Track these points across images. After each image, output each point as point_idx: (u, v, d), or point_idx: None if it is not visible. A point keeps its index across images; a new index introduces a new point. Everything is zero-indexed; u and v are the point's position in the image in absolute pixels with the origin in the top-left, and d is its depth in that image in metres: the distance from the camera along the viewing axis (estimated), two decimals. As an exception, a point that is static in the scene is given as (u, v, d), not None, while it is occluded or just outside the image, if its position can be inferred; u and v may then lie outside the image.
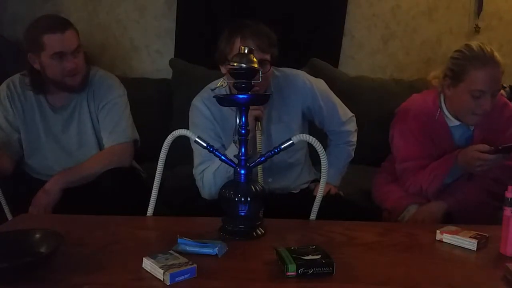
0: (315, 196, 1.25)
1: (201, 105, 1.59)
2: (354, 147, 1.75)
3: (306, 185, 1.71)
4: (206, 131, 1.55)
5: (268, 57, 1.48)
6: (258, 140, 1.41)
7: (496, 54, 1.52)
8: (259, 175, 1.38)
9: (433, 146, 1.65)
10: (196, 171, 1.57)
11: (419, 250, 1.08)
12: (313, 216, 1.26)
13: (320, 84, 1.69)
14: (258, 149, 1.39)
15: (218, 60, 1.54)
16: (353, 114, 1.75)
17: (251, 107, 1.32)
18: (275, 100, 1.59)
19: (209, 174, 1.51)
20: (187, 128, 1.16)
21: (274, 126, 1.59)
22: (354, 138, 1.75)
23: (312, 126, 1.73)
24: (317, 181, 1.69)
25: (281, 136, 1.47)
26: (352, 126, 1.74)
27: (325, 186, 1.21)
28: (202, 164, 1.53)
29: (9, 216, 1.46)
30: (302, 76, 1.66)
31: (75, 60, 1.61)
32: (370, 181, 1.89)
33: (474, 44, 1.56)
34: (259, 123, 1.43)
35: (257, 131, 1.41)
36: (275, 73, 1.62)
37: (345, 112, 1.72)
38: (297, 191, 1.68)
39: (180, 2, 2.52)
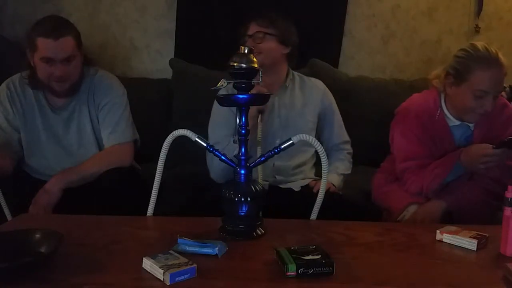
0: (314, 193, 1.26)
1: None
2: (351, 162, 1.86)
3: (306, 181, 1.73)
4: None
5: (267, 30, 1.66)
6: (258, 130, 1.49)
7: (500, 55, 1.53)
8: (259, 172, 1.41)
9: (434, 145, 1.65)
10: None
11: (419, 250, 1.08)
12: (313, 216, 1.26)
13: (334, 99, 1.86)
14: (258, 138, 1.47)
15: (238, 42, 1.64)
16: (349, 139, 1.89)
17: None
18: (296, 91, 1.76)
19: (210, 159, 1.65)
20: (187, 128, 1.16)
21: (291, 113, 1.72)
22: (351, 158, 1.87)
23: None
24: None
25: (296, 123, 1.70)
26: (349, 147, 1.88)
27: (325, 185, 1.21)
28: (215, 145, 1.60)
29: (8, 217, 1.46)
30: (322, 83, 1.87)
31: (64, 68, 1.60)
32: (370, 181, 1.89)
33: (479, 44, 1.56)
34: (261, 115, 1.52)
35: (259, 122, 1.50)
36: (294, 75, 1.82)
37: (345, 134, 1.88)
38: (297, 189, 1.68)
39: (180, 2, 2.52)
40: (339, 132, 1.85)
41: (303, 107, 1.75)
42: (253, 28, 1.68)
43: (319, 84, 1.85)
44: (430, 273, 0.95)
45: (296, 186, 1.69)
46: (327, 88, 1.85)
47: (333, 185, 1.70)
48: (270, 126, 1.68)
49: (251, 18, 1.71)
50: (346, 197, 1.69)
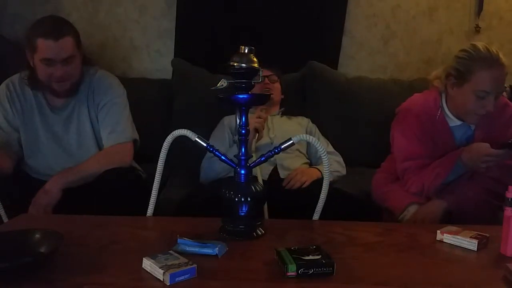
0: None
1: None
2: (342, 167, 1.94)
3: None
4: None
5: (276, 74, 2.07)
6: (252, 147, 1.62)
7: (501, 56, 1.53)
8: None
9: (434, 145, 1.65)
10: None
11: (419, 250, 1.08)
12: (316, 216, 1.25)
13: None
14: (252, 151, 1.58)
15: None
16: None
17: (254, 118, 1.65)
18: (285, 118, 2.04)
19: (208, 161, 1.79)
20: (187, 128, 1.16)
21: (284, 127, 1.95)
22: (340, 159, 1.95)
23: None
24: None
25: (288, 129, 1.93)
26: (339, 157, 1.95)
27: (328, 185, 1.21)
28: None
29: (4, 219, 1.45)
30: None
31: (64, 68, 1.60)
32: (370, 181, 1.88)
33: (480, 44, 1.56)
34: (257, 134, 1.65)
35: (253, 140, 1.62)
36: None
37: (333, 149, 1.99)
38: (283, 176, 1.74)
39: (180, 2, 2.52)
40: (326, 145, 1.98)
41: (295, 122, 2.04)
42: (266, 71, 1.92)
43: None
44: (431, 273, 0.95)
45: (283, 173, 1.76)
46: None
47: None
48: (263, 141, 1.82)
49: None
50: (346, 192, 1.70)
